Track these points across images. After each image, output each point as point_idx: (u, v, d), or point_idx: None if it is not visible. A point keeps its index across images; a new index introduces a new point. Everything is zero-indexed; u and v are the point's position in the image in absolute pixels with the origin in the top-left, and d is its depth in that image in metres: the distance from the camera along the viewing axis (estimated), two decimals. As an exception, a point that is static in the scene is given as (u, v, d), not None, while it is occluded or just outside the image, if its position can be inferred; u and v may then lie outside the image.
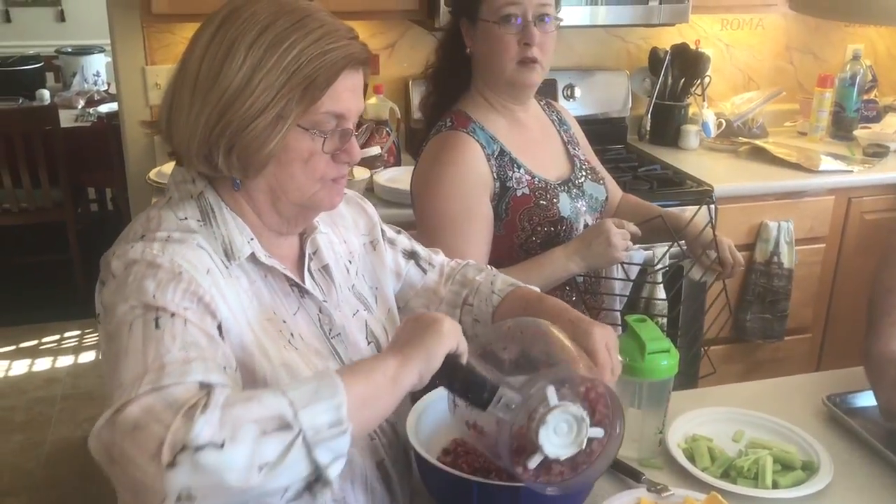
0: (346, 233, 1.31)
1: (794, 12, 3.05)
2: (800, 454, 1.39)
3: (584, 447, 1.05)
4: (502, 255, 1.73)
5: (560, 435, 1.04)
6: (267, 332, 1.10)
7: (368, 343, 1.25)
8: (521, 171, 1.74)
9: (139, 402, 0.85)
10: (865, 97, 3.33)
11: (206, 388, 0.88)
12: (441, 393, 1.27)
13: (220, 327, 1.02)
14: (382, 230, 1.38)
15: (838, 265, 2.99)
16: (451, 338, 1.03)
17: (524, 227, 1.72)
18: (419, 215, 1.76)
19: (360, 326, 1.25)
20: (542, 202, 1.73)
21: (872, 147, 3.08)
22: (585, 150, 1.98)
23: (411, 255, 1.41)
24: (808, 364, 3.04)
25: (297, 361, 1.11)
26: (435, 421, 1.29)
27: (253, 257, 1.11)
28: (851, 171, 2.89)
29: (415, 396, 1.24)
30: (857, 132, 3.20)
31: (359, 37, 1.10)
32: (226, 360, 0.99)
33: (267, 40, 1.03)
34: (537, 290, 1.39)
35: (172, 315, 0.96)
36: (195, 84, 1.05)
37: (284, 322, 1.14)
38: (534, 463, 1.05)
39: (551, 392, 1.04)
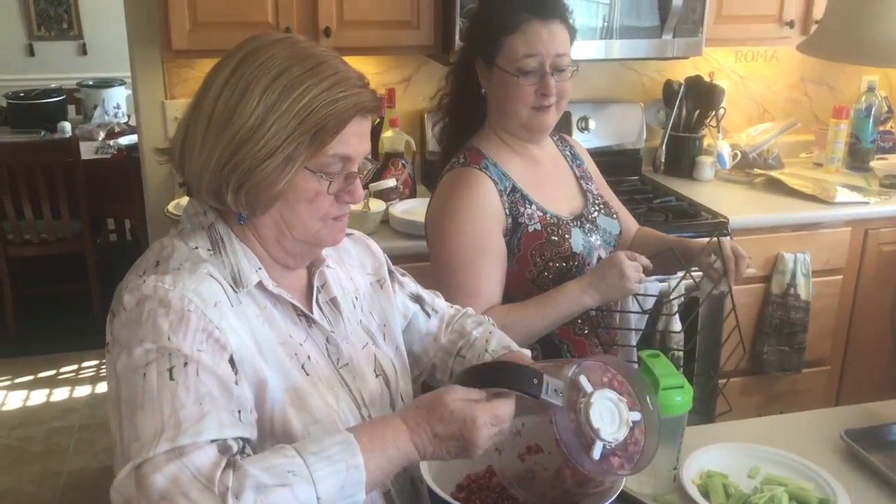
0: (352, 271, 1.34)
1: (807, 44, 3.06)
2: (816, 491, 1.38)
3: (630, 426, 1.10)
4: (515, 290, 1.73)
5: (607, 420, 1.09)
6: (279, 357, 1.13)
7: (377, 376, 1.27)
8: (533, 207, 1.74)
9: (164, 472, 0.93)
10: (881, 128, 3.33)
11: (227, 456, 0.96)
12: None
13: (231, 360, 1.05)
14: (390, 270, 1.41)
15: (856, 297, 2.97)
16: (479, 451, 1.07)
17: (536, 263, 1.73)
18: (433, 251, 1.77)
19: (368, 359, 1.27)
20: (553, 238, 1.73)
21: (889, 178, 3.07)
22: (599, 184, 1.99)
23: (417, 299, 1.44)
24: (826, 397, 3.01)
25: (306, 389, 1.13)
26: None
27: (261, 286, 1.14)
28: (868, 203, 2.89)
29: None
30: (873, 163, 3.20)
31: (369, 84, 1.14)
32: (239, 403, 1.03)
33: (281, 85, 1.07)
34: (528, 354, 1.40)
35: (185, 364, 1.00)
36: (209, 121, 1.08)
37: (300, 345, 1.17)
38: (597, 452, 1.08)
39: (584, 380, 1.09)
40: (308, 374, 1.16)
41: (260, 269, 1.14)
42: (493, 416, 1.05)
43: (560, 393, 1.08)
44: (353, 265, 1.34)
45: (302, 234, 1.15)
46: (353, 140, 1.12)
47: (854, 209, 2.86)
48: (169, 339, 1.01)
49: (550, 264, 1.73)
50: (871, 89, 3.30)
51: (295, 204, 1.12)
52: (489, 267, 1.70)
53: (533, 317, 1.67)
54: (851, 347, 3.03)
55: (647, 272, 1.70)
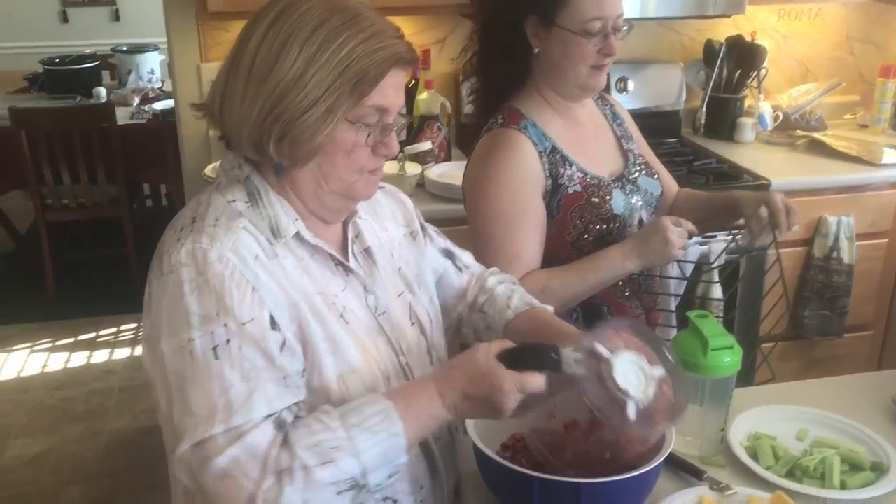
0: (385, 222, 1.35)
1: (854, 1, 2.98)
2: (868, 454, 1.36)
3: (658, 381, 1.11)
4: (554, 253, 1.71)
5: (633, 380, 1.10)
6: (317, 307, 1.14)
7: (412, 324, 1.29)
8: (574, 168, 1.71)
9: (226, 454, 1.00)
10: (930, 88, 3.23)
11: (282, 431, 1.02)
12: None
13: (272, 317, 1.07)
14: (422, 224, 1.43)
15: (901, 261, 2.91)
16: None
17: (576, 225, 1.70)
18: (472, 215, 1.74)
19: (403, 307, 1.28)
20: (594, 199, 1.70)
21: (937, 139, 2.99)
22: (640, 144, 1.95)
23: (449, 254, 1.45)
24: (868, 362, 2.96)
25: (345, 339, 1.15)
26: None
27: (298, 237, 1.16)
28: (916, 164, 2.81)
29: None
30: (920, 124, 3.11)
31: (404, 36, 1.14)
32: (283, 369, 1.07)
33: (321, 36, 1.07)
34: (551, 310, 1.41)
35: (228, 341, 1.04)
36: (249, 73, 1.09)
37: (336, 296, 1.18)
38: (632, 412, 1.09)
39: (600, 347, 1.11)
40: (347, 323, 1.17)
41: (297, 220, 1.16)
42: (519, 382, 1.08)
43: (581, 363, 1.09)
44: (386, 216, 1.35)
45: (338, 186, 1.16)
46: (391, 92, 1.13)
47: (901, 171, 2.79)
48: (210, 313, 1.04)
49: (591, 226, 1.70)
50: (919, 47, 3.20)
51: (333, 156, 1.13)
52: (529, 231, 1.68)
53: (574, 282, 1.65)
54: (895, 312, 2.97)
55: (692, 237, 1.67)
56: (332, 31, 1.07)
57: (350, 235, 1.25)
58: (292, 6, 1.10)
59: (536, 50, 1.69)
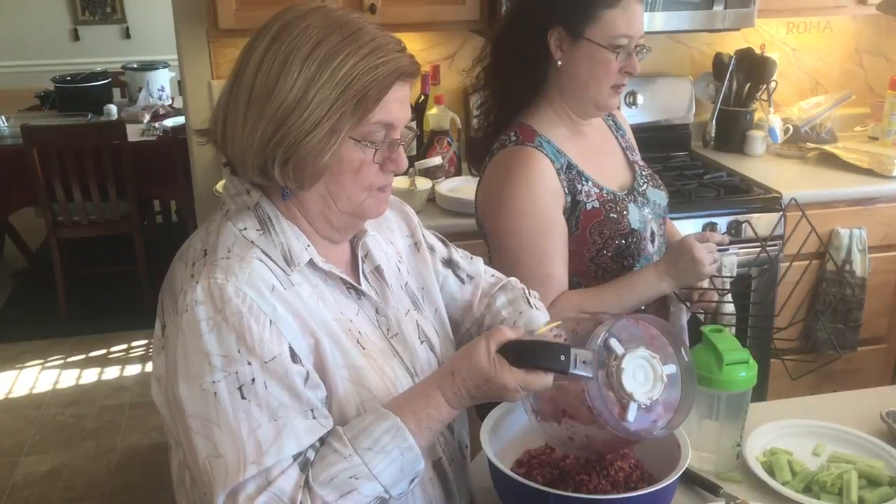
0: (391, 235, 1.34)
1: (864, 14, 2.98)
2: (886, 469, 1.35)
3: (665, 383, 1.11)
4: (574, 269, 1.69)
5: (640, 379, 1.09)
6: (335, 333, 1.13)
7: (421, 342, 1.27)
8: (590, 183, 1.70)
9: (257, 502, 1.00)
10: (940, 100, 3.22)
11: (306, 472, 1.03)
12: (511, 405, 1.26)
13: (291, 349, 1.06)
14: (423, 234, 1.40)
15: (914, 273, 2.89)
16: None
17: (595, 241, 1.69)
18: (496, 236, 1.71)
19: (412, 326, 1.27)
20: (612, 215, 1.69)
21: (948, 151, 2.98)
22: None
23: (448, 263, 1.42)
24: (882, 376, 2.94)
25: (364, 365, 1.14)
26: (507, 433, 1.29)
27: (311, 263, 1.14)
28: (926, 177, 2.80)
29: (480, 406, 1.24)
30: (931, 136, 3.10)
31: (406, 49, 1.12)
32: (310, 403, 1.06)
33: (321, 55, 1.06)
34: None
35: (253, 380, 1.03)
36: (250, 97, 1.07)
37: (351, 321, 1.17)
38: (633, 414, 1.09)
39: (614, 342, 1.10)
40: (364, 349, 1.16)
41: (309, 246, 1.14)
42: (524, 382, 1.08)
43: (589, 364, 1.08)
44: (391, 229, 1.34)
45: (347, 206, 1.14)
46: (396, 106, 1.11)
47: (913, 183, 2.78)
48: (232, 353, 1.03)
49: (609, 242, 1.69)
50: (929, 59, 3.20)
51: (340, 175, 1.11)
52: (556, 249, 1.66)
53: (611, 303, 1.64)
54: (909, 325, 2.95)
55: (721, 246, 1.67)
56: (331, 49, 1.06)
57: (360, 255, 1.24)
58: (289, 26, 1.08)
59: (559, 62, 1.67)
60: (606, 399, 1.09)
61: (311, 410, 1.06)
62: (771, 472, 1.34)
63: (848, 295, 2.76)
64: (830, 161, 2.93)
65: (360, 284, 1.21)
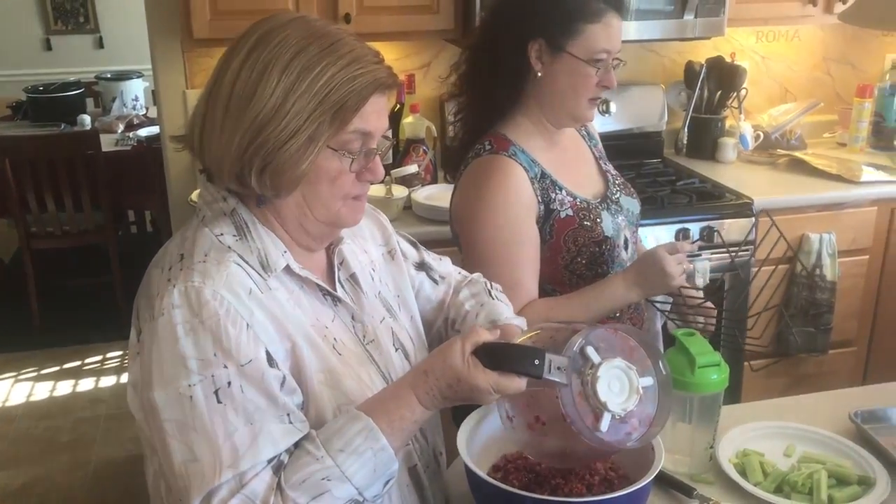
0: (364, 243, 1.35)
1: (831, 23, 3.03)
2: (855, 469, 1.37)
3: (641, 395, 1.11)
4: (547, 277, 1.71)
5: (615, 390, 1.09)
6: (312, 339, 1.14)
7: (396, 350, 1.28)
8: (563, 192, 1.72)
9: None
10: (906, 107, 3.29)
11: (279, 474, 1.03)
12: (487, 410, 1.28)
13: (268, 353, 1.07)
14: (397, 242, 1.42)
15: (882, 277, 2.95)
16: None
17: (569, 249, 1.71)
18: (467, 244, 1.73)
19: (387, 333, 1.28)
20: (586, 223, 1.71)
21: (914, 157, 3.04)
22: None
23: (421, 266, 1.44)
24: (853, 378, 2.99)
25: (340, 370, 1.15)
26: (483, 438, 1.30)
27: (288, 269, 1.15)
28: (893, 182, 2.86)
29: (456, 413, 1.25)
30: (897, 142, 3.16)
31: (384, 60, 1.14)
32: (286, 408, 1.07)
33: (300, 64, 1.07)
34: (520, 322, 1.38)
35: (230, 383, 1.03)
36: (228, 104, 1.08)
37: (327, 327, 1.18)
38: (606, 424, 1.09)
39: (591, 351, 1.10)
40: (340, 354, 1.17)
41: (286, 252, 1.15)
42: (497, 384, 1.08)
43: (563, 370, 1.08)
44: (365, 237, 1.35)
45: (323, 214, 1.15)
46: (373, 117, 1.12)
47: (880, 188, 2.83)
48: (209, 356, 1.03)
49: (584, 249, 1.71)
50: (895, 67, 3.26)
51: (317, 184, 1.12)
52: (526, 258, 1.68)
53: (578, 312, 1.66)
54: (878, 328, 3.01)
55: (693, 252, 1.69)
56: (310, 59, 1.07)
57: (336, 262, 1.25)
58: (269, 35, 1.09)
59: (539, 74, 1.68)
60: (580, 407, 1.09)
61: (288, 415, 1.06)
62: (743, 474, 1.37)
63: (818, 299, 2.80)
64: (800, 167, 2.98)
65: (336, 291, 1.22)
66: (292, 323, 1.12)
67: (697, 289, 1.74)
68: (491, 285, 1.47)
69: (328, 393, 1.13)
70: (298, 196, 1.13)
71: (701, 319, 1.79)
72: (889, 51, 3.34)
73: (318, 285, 1.19)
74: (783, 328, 2.84)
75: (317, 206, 1.14)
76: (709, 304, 1.80)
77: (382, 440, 1.06)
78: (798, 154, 3.05)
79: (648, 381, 1.13)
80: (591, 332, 1.13)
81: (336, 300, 1.22)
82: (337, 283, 1.24)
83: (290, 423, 1.06)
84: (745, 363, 1.77)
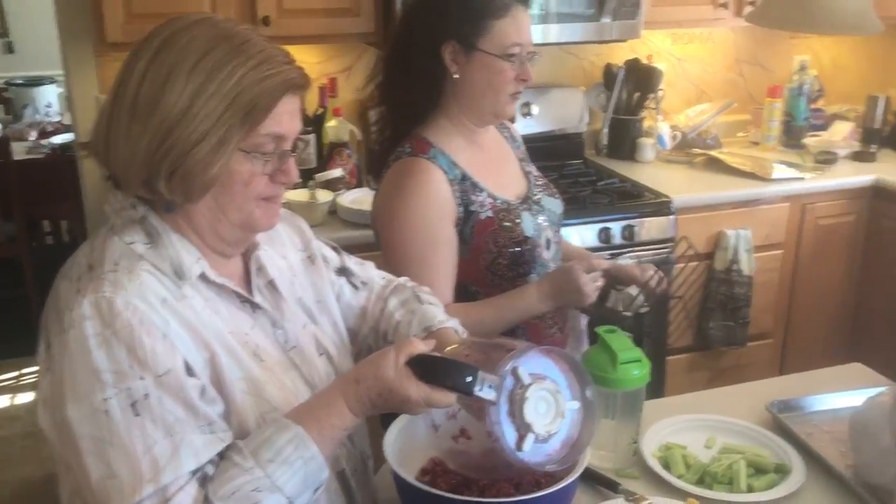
0: (283, 249, 1.32)
1: (742, 26, 3.14)
2: (772, 457, 1.42)
3: (566, 418, 1.11)
4: (468, 278, 1.72)
5: (542, 412, 1.10)
6: (231, 347, 1.12)
7: (320, 355, 1.27)
8: (484, 194, 1.73)
9: None
10: (813, 106, 3.42)
11: (205, 487, 1.01)
12: (410, 417, 1.27)
13: (186, 363, 1.04)
14: (317, 246, 1.40)
15: (796, 270, 3.06)
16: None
17: (490, 250, 1.72)
18: (386, 246, 1.74)
19: (310, 339, 1.27)
20: (505, 223, 1.73)
21: (822, 154, 3.16)
22: None
23: (342, 271, 1.42)
24: (771, 369, 3.09)
25: (262, 378, 1.14)
26: (411, 441, 1.29)
27: (203, 277, 1.13)
28: (803, 179, 2.97)
29: (384, 417, 1.24)
30: (806, 140, 3.29)
31: (295, 61, 1.12)
32: (207, 418, 1.04)
33: (207, 66, 1.05)
34: (453, 325, 1.39)
35: (147, 395, 1.00)
36: (133, 108, 1.05)
37: (247, 334, 1.16)
38: (529, 445, 1.09)
39: (523, 371, 1.10)
40: (262, 361, 1.15)
41: (200, 259, 1.12)
42: (427, 398, 1.08)
43: (494, 388, 1.08)
44: (283, 243, 1.33)
45: (237, 217, 1.13)
46: (285, 118, 1.10)
47: (791, 185, 2.94)
48: (123, 368, 1.00)
49: (504, 250, 1.72)
50: (802, 68, 3.39)
51: (230, 187, 1.10)
52: (442, 261, 1.69)
53: (491, 319, 1.68)
54: (793, 319, 3.11)
55: (607, 276, 1.72)
56: (218, 61, 1.05)
57: (252, 269, 1.22)
58: (175, 36, 1.06)
59: (455, 75, 1.69)
60: (506, 426, 1.09)
61: (209, 425, 1.04)
62: (667, 467, 1.39)
63: (736, 293, 2.89)
64: (716, 166, 3.07)
65: (252, 298, 1.20)
66: (210, 331, 1.10)
67: (620, 313, 1.78)
68: (419, 289, 1.46)
69: (250, 401, 1.11)
70: (210, 200, 1.10)
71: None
72: (797, 52, 3.47)
73: (235, 292, 1.17)
74: (703, 322, 2.92)
75: (230, 209, 1.12)
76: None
77: (313, 449, 1.04)
78: (713, 153, 3.14)
79: (575, 405, 1.14)
80: (525, 352, 1.13)
81: (255, 307, 1.20)
82: (255, 290, 1.21)
83: (212, 433, 1.04)
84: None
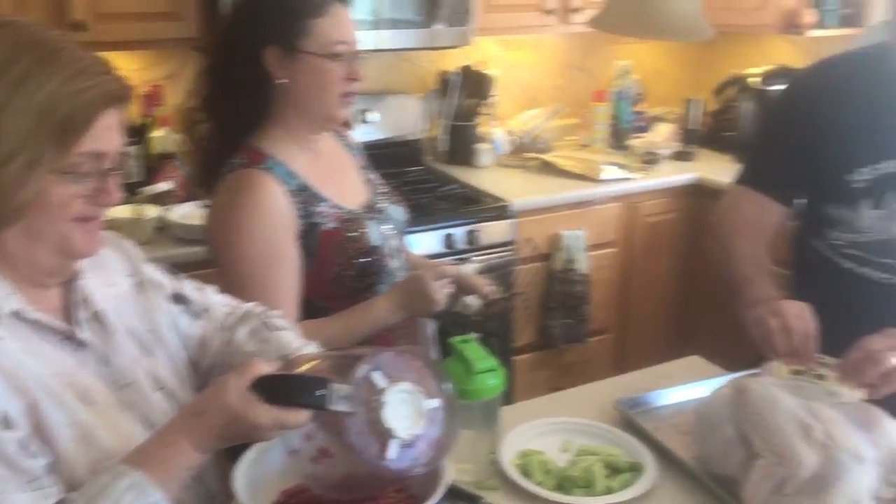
0: (110, 276, 1.21)
1: (569, 32, 3.24)
2: (625, 456, 1.44)
3: (428, 418, 1.08)
4: (315, 291, 1.66)
5: (402, 415, 1.05)
6: (54, 392, 1.01)
7: (157, 390, 1.17)
8: (326, 204, 1.67)
9: None
10: (636, 109, 3.59)
11: None
12: (264, 444, 1.19)
13: (3, 415, 0.94)
14: (147, 271, 1.28)
15: (629, 267, 3.19)
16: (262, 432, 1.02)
17: (337, 262, 1.66)
18: (221, 265, 1.64)
19: (144, 374, 1.17)
20: (351, 234, 1.68)
21: (647, 155, 3.32)
22: None
23: (179, 298, 1.30)
24: (611, 363, 3.20)
25: (92, 422, 1.03)
26: (262, 476, 1.21)
27: (17, 314, 1.01)
28: (629, 179, 3.10)
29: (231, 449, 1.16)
30: (631, 142, 3.44)
31: (115, 70, 1.03)
32: (29, 473, 0.95)
33: (11, 78, 0.95)
34: (311, 349, 1.31)
35: None
36: None
37: (72, 375, 1.05)
38: (393, 451, 1.04)
39: (377, 376, 1.05)
40: (92, 404, 1.04)
41: (13, 293, 1.01)
42: (278, 420, 1.00)
43: (350, 399, 1.03)
44: (109, 269, 1.21)
45: (54, 244, 1.02)
46: (105, 134, 1.01)
47: (619, 186, 3.07)
48: None
49: (351, 261, 1.67)
50: (625, 73, 3.54)
51: (45, 212, 0.99)
52: (283, 277, 1.61)
53: (342, 335, 1.62)
54: (629, 315, 3.25)
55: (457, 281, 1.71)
56: (24, 72, 0.95)
57: (75, 300, 1.10)
58: None
59: (282, 81, 1.62)
60: (367, 436, 1.05)
61: (33, 481, 0.93)
62: (526, 475, 1.38)
63: (575, 291, 2.97)
64: (549, 169, 3.16)
65: (76, 334, 1.08)
66: (28, 376, 0.98)
67: (468, 316, 1.79)
68: (268, 315, 1.35)
69: (80, 449, 1.00)
70: (23, 227, 0.99)
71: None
72: (618, 57, 3.62)
73: (55, 329, 1.05)
74: (545, 321, 2.99)
75: (45, 235, 1.01)
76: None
77: (156, 495, 0.95)
78: (546, 157, 3.22)
79: (434, 402, 1.10)
80: (377, 356, 1.09)
81: (79, 344, 1.08)
82: (79, 324, 1.10)
83: (38, 489, 0.93)
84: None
